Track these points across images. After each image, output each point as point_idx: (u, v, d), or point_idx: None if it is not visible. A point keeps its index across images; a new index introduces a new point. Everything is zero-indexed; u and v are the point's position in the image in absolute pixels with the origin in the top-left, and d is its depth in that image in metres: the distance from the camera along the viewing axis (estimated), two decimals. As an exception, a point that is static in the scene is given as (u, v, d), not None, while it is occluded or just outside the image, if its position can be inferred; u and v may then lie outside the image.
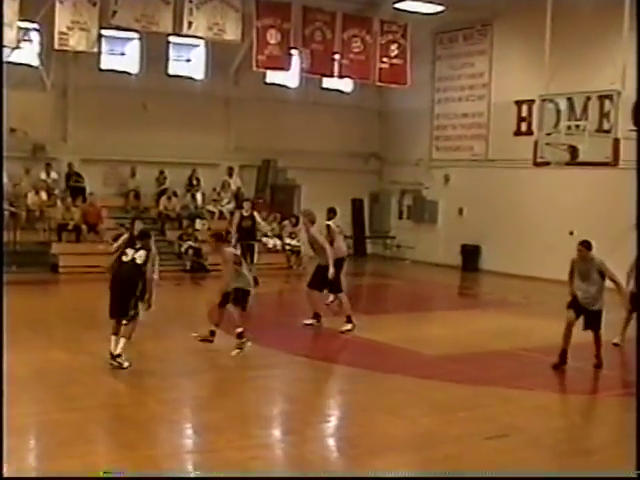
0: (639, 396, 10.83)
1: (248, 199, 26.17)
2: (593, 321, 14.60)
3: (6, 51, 22.35)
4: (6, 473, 8.19)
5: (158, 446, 10.05)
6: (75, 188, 27.35)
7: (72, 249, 25.57)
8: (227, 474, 9.01)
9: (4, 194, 24.44)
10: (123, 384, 12.97)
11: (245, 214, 23.39)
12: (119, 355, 13.26)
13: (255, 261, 22.94)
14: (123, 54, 27.49)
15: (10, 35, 21.96)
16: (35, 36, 25.31)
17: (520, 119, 28.61)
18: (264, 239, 27.44)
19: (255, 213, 23.79)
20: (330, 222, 18.42)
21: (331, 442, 10.85)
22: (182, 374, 14.03)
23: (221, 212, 29.28)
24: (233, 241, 21.16)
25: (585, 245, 14.40)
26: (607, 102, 20.51)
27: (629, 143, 20.20)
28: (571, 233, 23.24)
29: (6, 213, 24.60)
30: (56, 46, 23.72)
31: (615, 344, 16.59)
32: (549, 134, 20.84)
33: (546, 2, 20.65)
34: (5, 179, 24.56)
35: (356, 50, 27.36)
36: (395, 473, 9.36)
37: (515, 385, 13.84)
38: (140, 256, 13.60)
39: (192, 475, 9.34)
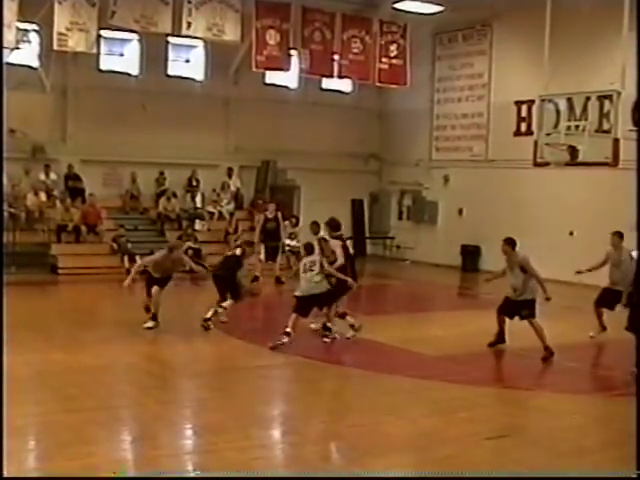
0: (639, 396, 10.83)
1: (272, 201, 26.25)
2: (520, 310, 15.76)
3: (5, 52, 22.36)
4: (6, 473, 8.19)
5: (159, 447, 10.03)
6: (74, 189, 27.35)
7: (71, 250, 25.59)
8: (228, 475, 9.02)
9: (4, 195, 24.45)
10: (123, 385, 12.98)
11: (270, 216, 23.69)
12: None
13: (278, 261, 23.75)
14: (122, 55, 27.53)
15: (9, 36, 22.00)
16: (34, 37, 25.29)
17: (520, 119, 28.62)
18: (287, 241, 27.69)
19: (279, 214, 24.05)
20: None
21: (331, 442, 10.85)
22: (182, 375, 14.05)
23: (220, 213, 29.30)
24: (256, 243, 21.43)
25: (508, 242, 15.80)
26: (607, 102, 20.52)
27: (629, 143, 20.19)
28: (571, 233, 23.30)
29: (5, 214, 24.59)
30: (55, 47, 23.73)
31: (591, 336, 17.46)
32: (549, 134, 20.85)
33: (545, 3, 20.65)
34: (5, 180, 24.55)
35: (355, 51, 27.38)
36: (395, 473, 9.37)
37: (514, 385, 13.88)
38: None
39: (192, 475, 9.35)
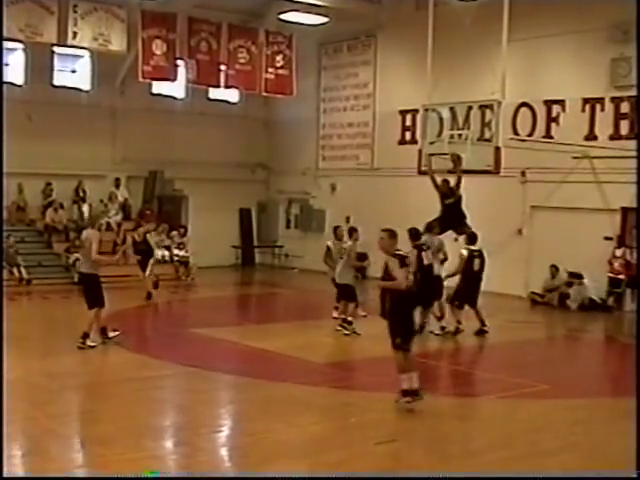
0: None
1: (140, 225, 26.24)
2: (341, 292, 18.94)
3: None
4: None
5: (49, 461, 9.96)
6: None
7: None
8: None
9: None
10: (12, 399, 12.82)
11: (138, 239, 24.05)
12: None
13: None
14: (7, 64, 27.06)
15: None
16: None
17: (404, 128, 29.10)
18: (175, 251, 28.29)
19: (148, 236, 24.56)
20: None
21: (223, 452, 10.90)
22: (71, 388, 13.92)
23: (108, 224, 29.03)
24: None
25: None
26: (488, 111, 20.92)
27: (509, 151, 20.69)
28: (455, 239, 23.63)
29: None
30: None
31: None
32: (432, 143, 21.18)
33: (427, 14, 21.01)
34: None
35: (242, 61, 27.41)
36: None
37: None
38: None
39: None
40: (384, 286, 12.15)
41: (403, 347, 12.18)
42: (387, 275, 11.96)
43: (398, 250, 12.10)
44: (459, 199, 19.50)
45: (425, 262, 17.73)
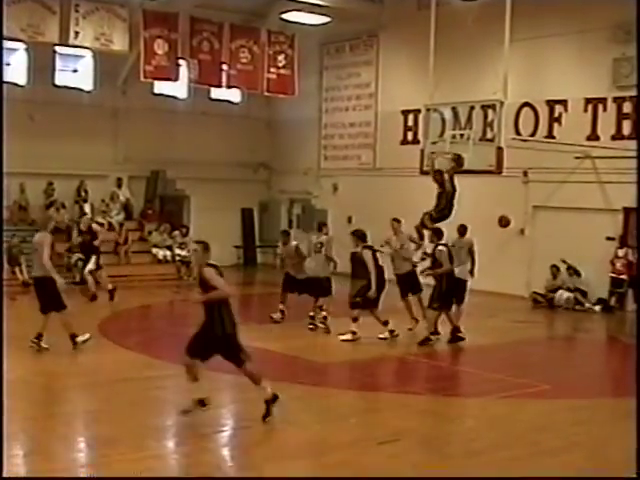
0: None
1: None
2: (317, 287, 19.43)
3: None
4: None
5: (51, 461, 9.97)
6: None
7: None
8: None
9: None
10: (12, 399, 12.82)
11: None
12: None
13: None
14: (8, 64, 27.05)
15: None
16: None
17: (406, 128, 29.08)
18: (177, 250, 27.89)
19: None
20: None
21: (225, 452, 10.91)
22: (72, 388, 13.93)
23: (110, 223, 29.05)
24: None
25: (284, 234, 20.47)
26: (490, 112, 20.90)
27: (511, 151, 20.69)
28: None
29: None
30: (-62, 56, 23.27)
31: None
32: (435, 143, 21.15)
33: (430, 14, 21.00)
34: None
35: (244, 60, 27.43)
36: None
37: (404, 390, 14.09)
38: None
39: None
40: (209, 298, 11.37)
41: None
42: (205, 286, 11.41)
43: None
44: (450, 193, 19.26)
45: (380, 262, 17.90)
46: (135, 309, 22.50)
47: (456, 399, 13.88)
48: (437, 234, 18.01)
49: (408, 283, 19.18)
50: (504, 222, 24.26)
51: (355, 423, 11.88)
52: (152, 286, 26.33)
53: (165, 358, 15.63)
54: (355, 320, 17.73)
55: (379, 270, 17.74)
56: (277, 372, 15.01)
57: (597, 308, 23.43)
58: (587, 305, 23.58)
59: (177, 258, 28.92)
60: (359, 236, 18.07)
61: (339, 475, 9.65)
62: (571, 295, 23.78)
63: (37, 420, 11.65)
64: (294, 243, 20.34)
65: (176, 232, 29.71)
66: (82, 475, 9.75)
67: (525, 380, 14.68)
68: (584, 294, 23.77)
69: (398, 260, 19.14)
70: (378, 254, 18.05)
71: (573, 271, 23.95)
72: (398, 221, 19.60)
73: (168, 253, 28.91)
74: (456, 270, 18.03)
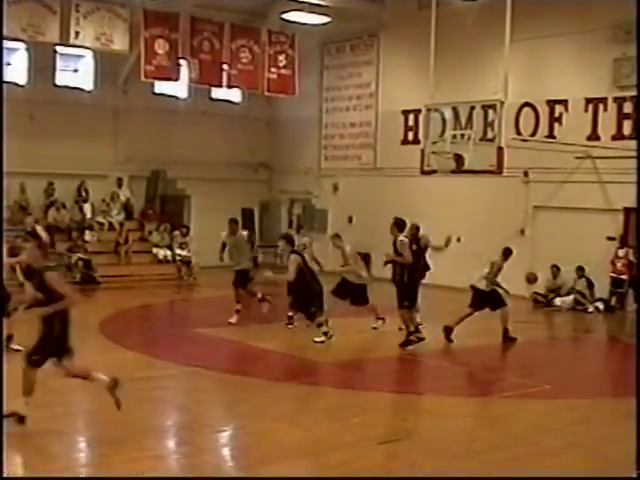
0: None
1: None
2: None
3: None
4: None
5: (52, 461, 9.97)
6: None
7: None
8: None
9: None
10: (12, 399, 12.81)
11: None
12: None
13: None
14: (9, 64, 27.06)
15: None
16: None
17: (407, 128, 29.08)
18: (177, 250, 28.21)
19: None
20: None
21: (225, 452, 10.92)
22: (72, 387, 13.90)
23: (110, 223, 29.08)
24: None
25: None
26: (490, 111, 20.93)
27: (512, 151, 20.71)
28: (458, 240, 23.64)
29: None
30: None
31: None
32: (435, 143, 21.16)
33: (430, 14, 21.01)
34: None
35: (244, 60, 27.44)
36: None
37: (405, 390, 14.11)
38: None
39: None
40: (54, 309, 11.20)
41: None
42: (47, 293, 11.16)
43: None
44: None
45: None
46: (135, 309, 22.49)
47: (456, 399, 13.86)
48: (398, 227, 17.82)
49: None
50: (532, 278, 24.09)
51: (355, 423, 11.87)
52: (152, 286, 26.34)
53: (166, 358, 15.65)
54: (320, 326, 17.56)
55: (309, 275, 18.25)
56: (278, 372, 15.05)
57: (592, 308, 23.41)
58: (587, 305, 23.57)
59: (177, 258, 28.92)
60: (287, 240, 19.32)
61: (339, 475, 9.66)
62: (571, 297, 23.78)
63: (37, 420, 11.62)
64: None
65: (176, 232, 29.71)
66: (82, 475, 9.77)
67: (526, 380, 14.71)
68: (584, 295, 23.76)
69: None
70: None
71: (586, 279, 23.86)
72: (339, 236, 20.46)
73: (168, 253, 28.92)
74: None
